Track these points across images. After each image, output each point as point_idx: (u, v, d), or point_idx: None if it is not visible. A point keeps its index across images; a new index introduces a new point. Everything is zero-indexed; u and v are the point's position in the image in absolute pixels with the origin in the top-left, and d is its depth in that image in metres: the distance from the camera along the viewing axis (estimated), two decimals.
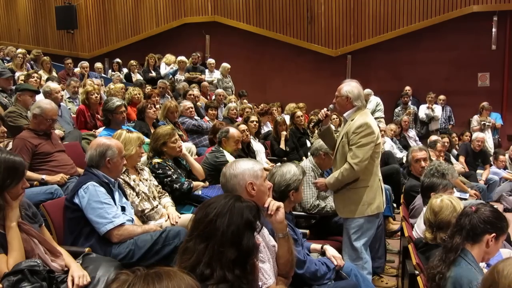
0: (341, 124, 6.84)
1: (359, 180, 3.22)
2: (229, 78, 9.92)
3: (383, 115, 9.47)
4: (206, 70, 10.04)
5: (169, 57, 10.16)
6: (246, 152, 5.10)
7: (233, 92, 9.66)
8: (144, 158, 3.64)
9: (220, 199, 1.70)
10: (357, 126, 3.16)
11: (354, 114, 3.28)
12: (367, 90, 9.66)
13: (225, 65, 9.77)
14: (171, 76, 9.75)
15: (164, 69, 9.96)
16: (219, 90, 8.62)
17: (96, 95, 5.35)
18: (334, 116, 7.29)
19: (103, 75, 10.08)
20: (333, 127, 7.03)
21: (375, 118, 8.81)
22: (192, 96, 7.40)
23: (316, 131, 3.84)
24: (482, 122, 9.05)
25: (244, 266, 1.62)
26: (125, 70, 10.46)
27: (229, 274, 1.56)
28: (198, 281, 1.17)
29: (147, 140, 3.94)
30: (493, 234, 2.13)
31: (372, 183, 3.26)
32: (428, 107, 9.45)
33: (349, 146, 3.18)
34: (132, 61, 10.22)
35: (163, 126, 3.99)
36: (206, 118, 6.79)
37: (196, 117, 6.21)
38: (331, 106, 3.48)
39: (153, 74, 9.71)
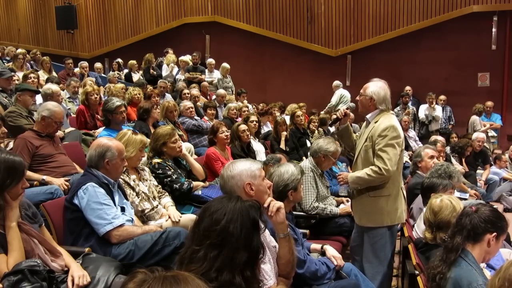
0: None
1: (381, 188, 3.07)
2: (229, 78, 9.92)
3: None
4: (206, 70, 10.03)
5: (169, 56, 10.14)
6: (246, 152, 5.10)
7: (233, 92, 9.67)
8: (144, 158, 3.63)
9: (224, 203, 1.68)
10: (383, 129, 2.98)
11: (378, 116, 3.10)
12: (336, 82, 9.75)
13: (225, 65, 9.77)
14: (174, 77, 9.75)
15: (165, 71, 9.94)
16: (221, 91, 8.57)
17: (95, 95, 5.34)
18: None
19: (102, 75, 10.08)
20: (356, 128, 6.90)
21: (337, 110, 8.87)
22: (188, 96, 7.41)
23: (334, 130, 3.72)
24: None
25: (254, 266, 1.62)
26: (125, 70, 10.46)
27: (238, 277, 1.56)
28: None
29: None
30: (494, 234, 2.14)
31: (393, 191, 3.11)
32: (430, 106, 9.42)
33: (376, 151, 3.00)
34: (132, 61, 10.22)
35: (163, 126, 3.98)
36: (206, 118, 6.79)
37: (196, 117, 6.21)
38: (351, 104, 3.40)
39: (154, 73, 9.71)
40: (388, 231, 3.17)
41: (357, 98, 3.25)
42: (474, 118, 9.09)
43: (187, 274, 1.10)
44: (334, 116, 3.50)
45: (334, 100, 9.58)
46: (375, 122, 3.09)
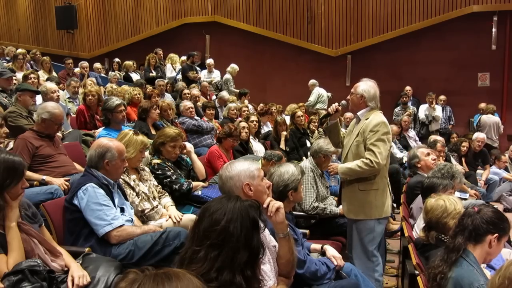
0: (340, 125, 6.88)
1: (370, 182, 3.18)
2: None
3: (326, 107, 9.54)
4: (205, 70, 10.02)
5: (174, 57, 10.12)
6: (245, 148, 5.16)
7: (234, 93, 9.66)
8: (145, 157, 3.62)
9: (224, 203, 1.68)
10: (374, 125, 3.11)
11: (368, 113, 3.23)
12: (312, 81, 9.85)
13: (235, 67, 9.77)
14: (174, 77, 9.73)
15: (170, 72, 9.89)
16: (225, 95, 8.49)
17: (91, 96, 5.34)
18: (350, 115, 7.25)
19: (102, 75, 10.08)
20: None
21: (316, 109, 9.00)
22: (188, 96, 7.42)
23: (323, 126, 3.76)
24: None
25: (254, 266, 1.63)
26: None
27: (239, 277, 1.56)
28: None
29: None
30: (496, 235, 2.13)
31: (382, 186, 3.23)
32: (430, 106, 9.45)
33: (367, 145, 3.12)
34: (128, 62, 10.23)
35: (172, 128, 4.01)
36: (205, 118, 6.79)
37: (196, 117, 6.21)
38: (343, 102, 3.44)
39: (154, 73, 9.70)
40: (376, 225, 3.24)
41: (348, 97, 3.37)
42: (498, 119, 9.06)
43: (178, 270, 1.11)
44: (325, 112, 3.56)
45: (312, 98, 9.67)
46: (366, 119, 3.20)
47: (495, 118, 9.05)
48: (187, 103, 6.22)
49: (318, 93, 9.70)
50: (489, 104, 9.25)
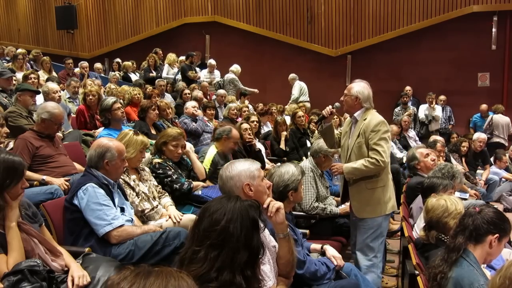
0: (340, 125, 6.89)
1: (377, 180, 3.22)
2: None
3: (308, 99, 9.74)
4: (205, 70, 10.00)
5: (170, 56, 10.12)
6: (248, 151, 5.12)
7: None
8: (146, 156, 3.62)
9: (224, 203, 1.68)
10: (375, 124, 3.16)
11: (365, 114, 3.26)
12: (292, 75, 10.00)
13: (238, 67, 9.81)
14: (174, 77, 9.72)
15: (166, 72, 9.88)
16: (221, 91, 8.54)
17: (91, 96, 5.34)
18: (334, 116, 7.26)
19: (102, 75, 10.07)
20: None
21: (299, 102, 9.12)
22: (189, 96, 7.43)
23: (318, 128, 3.78)
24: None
25: (254, 266, 1.63)
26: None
27: (239, 277, 1.57)
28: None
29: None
30: (496, 235, 2.13)
31: (387, 182, 3.29)
32: (430, 106, 9.45)
33: (370, 145, 3.16)
34: (127, 62, 10.21)
35: (174, 128, 4.00)
36: (205, 118, 6.79)
37: (198, 117, 6.21)
38: (337, 104, 3.47)
39: (153, 74, 9.69)
40: (383, 220, 3.30)
41: (342, 98, 3.39)
42: (508, 119, 9.03)
43: (167, 268, 1.11)
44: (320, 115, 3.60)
45: (296, 92, 9.79)
46: (364, 119, 3.24)
47: (506, 118, 9.06)
48: (192, 103, 6.29)
49: (300, 86, 9.83)
50: (498, 105, 9.25)
